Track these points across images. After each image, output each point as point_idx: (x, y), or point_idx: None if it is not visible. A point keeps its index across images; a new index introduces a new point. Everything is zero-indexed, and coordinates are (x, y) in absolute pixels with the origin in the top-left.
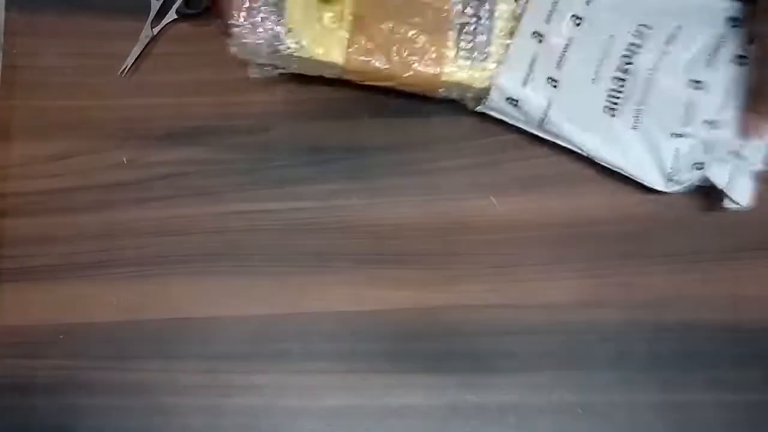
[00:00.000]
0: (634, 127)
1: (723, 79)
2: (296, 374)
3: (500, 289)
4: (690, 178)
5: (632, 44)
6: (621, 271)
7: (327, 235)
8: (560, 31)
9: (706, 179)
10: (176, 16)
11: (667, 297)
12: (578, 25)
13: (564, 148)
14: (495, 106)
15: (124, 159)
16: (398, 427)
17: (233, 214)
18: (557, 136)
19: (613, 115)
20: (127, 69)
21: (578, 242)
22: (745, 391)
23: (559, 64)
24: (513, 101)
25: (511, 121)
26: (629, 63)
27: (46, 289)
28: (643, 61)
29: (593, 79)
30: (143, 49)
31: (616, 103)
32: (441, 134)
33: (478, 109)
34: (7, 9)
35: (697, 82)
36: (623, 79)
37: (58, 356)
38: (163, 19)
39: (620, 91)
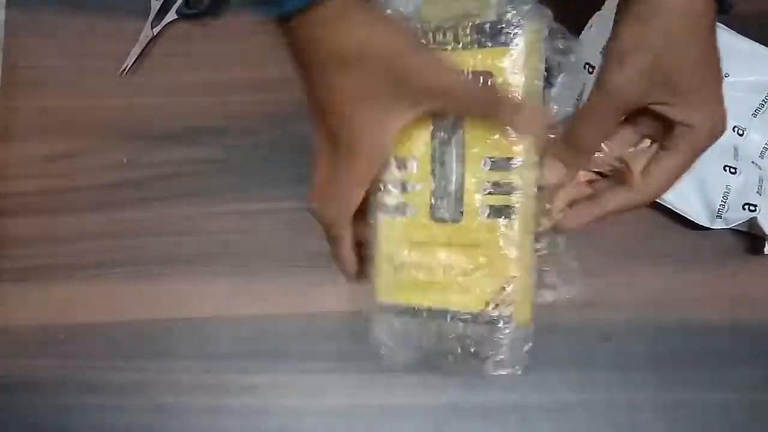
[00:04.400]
0: None
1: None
2: (296, 374)
3: None
4: (739, 218)
5: None
6: (621, 271)
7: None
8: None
9: (754, 223)
10: (176, 16)
11: (667, 297)
12: None
13: None
14: None
15: (124, 159)
16: (399, 426)
17: (233, 214)
18: None
19: None
20: (127, 69)
21: (578, 242)
22: (745, 391)
23: None
24: None
25: None
26: None
27: (45, 289)
28: None
29: None
30: (143, 49)
31: None
32: None
33: None
34: (7, 8)
35: (741, 129)
36: None
37: (57, 356)
38: (163, 19)
39: None
